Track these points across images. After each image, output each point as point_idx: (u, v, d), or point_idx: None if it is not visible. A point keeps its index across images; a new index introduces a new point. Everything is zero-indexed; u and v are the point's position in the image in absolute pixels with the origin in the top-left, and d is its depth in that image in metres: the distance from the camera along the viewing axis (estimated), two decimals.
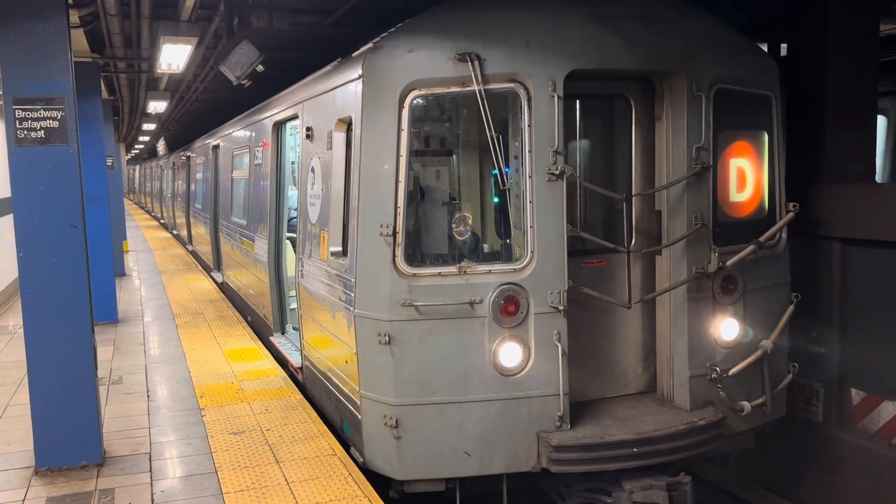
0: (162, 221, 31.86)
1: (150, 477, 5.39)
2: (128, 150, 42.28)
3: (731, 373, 5.53)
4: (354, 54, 5.88)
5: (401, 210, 5.19)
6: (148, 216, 40.18)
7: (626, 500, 5.25)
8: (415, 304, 5.11)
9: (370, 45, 5.54)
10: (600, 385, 5.96)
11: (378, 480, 5.38)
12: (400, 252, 5.19)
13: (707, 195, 5.66)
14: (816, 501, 7.08)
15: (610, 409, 5.71)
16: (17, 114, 5.22)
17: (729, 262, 5.51)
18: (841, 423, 6.93)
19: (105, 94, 14.65)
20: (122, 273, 15.48)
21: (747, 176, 6.02)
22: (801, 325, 6.62)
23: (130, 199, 53.13)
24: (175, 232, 25.43)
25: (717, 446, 5.65)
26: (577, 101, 6.06)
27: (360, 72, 5.39)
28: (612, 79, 5.83)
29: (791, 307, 5.94)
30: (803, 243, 6.85)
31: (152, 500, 5.01)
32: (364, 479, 5.28)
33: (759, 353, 5.66)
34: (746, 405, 5.60)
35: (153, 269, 17.41)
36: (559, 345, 5.21)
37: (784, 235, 6.13)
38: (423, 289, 5.16)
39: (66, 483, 5.32)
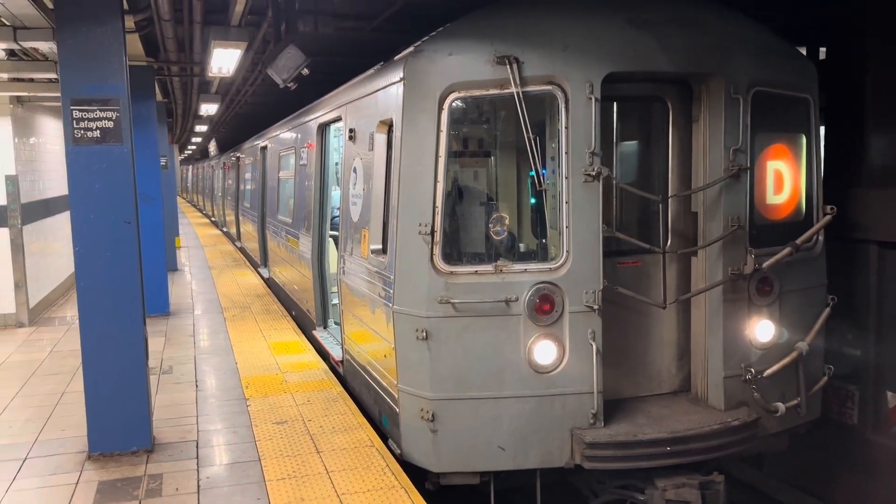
0: (213, 219, 32.14)
1: (197, 464, 5.43)
2: (181, 150, 42.74)
3: (765, 374, 5.32)
4: (396, 58, 5.84)
5: (439, 210, 5.12)
6: (200, 214, 40.64)
7: (658, 498, 5.07)
8: (452, 301, 5.03)
9: (411, 49, 5.49)
10: (634, 384, 5.79)
11: (414, 472, 5.33)
12: (438, 250, 5.11)
13: (744, 197, 5.47)
14: None
15: (644, 408, 5.55)
16: (74, 114, 5.29)
17: (765, 264, 5.30)
18: (876, 426, 6.72)
19: (159, 97, 14.85)
20: (174, 268, 15.66)
21: (784, 178, 5.80)
22: (837, 328, 6.43)
23: (183, 198, 53.80)
24: (225, 229, 25.64)
25: (750, 447, 5.47)
26: (615, 104, 5.91)
27: (401, 75, 5.33)
28: (650, 81, 5.67)
29: (827, 310, 5.71)
30: (840, 246, 6.62)
31: (198, 486, 5.04)
32: (401, 469, 5.25)
33: (794, 354, 5.45)
34: (781, 406, 5.38)
35: (203, 264, 17.60)
36: (594, 343, 5.08)
37: (821, 238, 5.90)
38: (459, 286, 5.08)
39: (116, 468, 5.39)
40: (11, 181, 10.63)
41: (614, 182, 5.47)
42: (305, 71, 7.30)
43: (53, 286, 12.85)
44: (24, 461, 5.61)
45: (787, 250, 5.34)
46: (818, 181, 6.01)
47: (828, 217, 5.51)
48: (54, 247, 12.92)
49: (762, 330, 5.57)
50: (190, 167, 54.45)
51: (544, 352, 5.13)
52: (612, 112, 5.97)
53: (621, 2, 5.40)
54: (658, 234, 5.55)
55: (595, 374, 5.08)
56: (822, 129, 7.09)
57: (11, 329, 10.65)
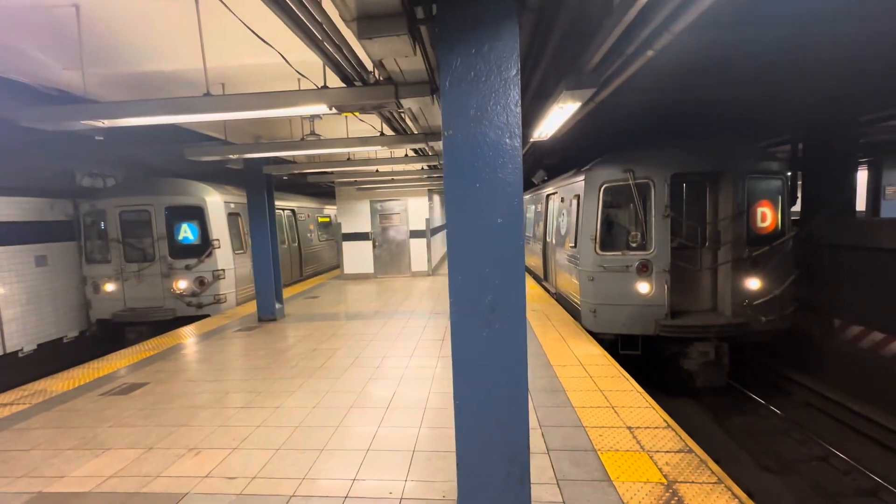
0: None
1: None
2: None
3: (754, 303, 5.64)
4: (582, 169, 6.55)
5: (598, 230, 5.98)
6: None
7: (694, 350, 5.76)
8: (603, 265, 5.87)
9: (588, 166, 6.34)
10: (690, 304, 6.04)
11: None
12: (597, 246, 5.96)
13: (744, 223, 5.79)
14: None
15: (694, 315, 5.90)
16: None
17: (754, 253, 5.66)
18: (823, 336, 6.36)
19: None
20: None
21: (767, 215, 5.90)
22: (802, 286, 6.23)
23: None
24: None
25: (746, 335, 5.66)
26: (684, 184, 6.11)
27: (583, 177, 6.25)
28: (697, 174, 5.96)
29: (793, 276, 5.75)
30: (805, 247, 6.38)
31: None
32: (582, 329, 6.03)
33: (769, 296, 5.64)
34: (762, 318, 5.64)
35: None
36: (666, 285, 5.67)
37: (791, 243, 5.89)
38: (606, 260, 5.88)
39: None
40: (427, 221, 11.80)
41: (680, 218, 5.94)
42: (545, 178, 8.64)
43: (437, 259, 13.43)
44: (429, 318, 6.81)
45: (765, 248, 5.64)
46: (787, 216, 5.94)
47: (793, 233, 5.68)
48: (438, 244, 13.71)
49: (753, 283, 5.79)
50: None
51: (642, 287, 5.76)
52: (683, 187, 6.16)
53: (683, 143, 5.90)
54: (698, 239, 6.04)
55: (666, 298, 5.70)
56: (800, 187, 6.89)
57: (426, 276, 11.89)
